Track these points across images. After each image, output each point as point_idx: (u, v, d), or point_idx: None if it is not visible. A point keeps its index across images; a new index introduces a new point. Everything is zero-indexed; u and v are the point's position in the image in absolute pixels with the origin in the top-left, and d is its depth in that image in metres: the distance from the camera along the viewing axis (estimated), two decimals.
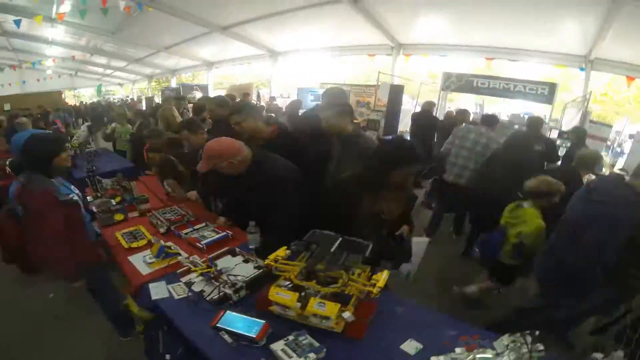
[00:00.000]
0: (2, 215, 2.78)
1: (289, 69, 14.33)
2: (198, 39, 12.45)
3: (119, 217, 3.51)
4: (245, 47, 12.78)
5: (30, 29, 12.44)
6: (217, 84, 17.92)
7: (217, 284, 2.41)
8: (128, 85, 25.33)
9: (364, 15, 8.59)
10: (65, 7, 9.22)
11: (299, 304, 1.93)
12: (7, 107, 14.53)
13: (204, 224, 3.50)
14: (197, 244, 3.04)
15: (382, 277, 1.98)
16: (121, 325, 3.43)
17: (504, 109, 13.07)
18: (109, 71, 22.02)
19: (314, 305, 1.90)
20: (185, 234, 3.29)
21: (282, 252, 2.26)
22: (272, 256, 2.21)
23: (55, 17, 9.66)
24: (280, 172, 3.02)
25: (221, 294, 2.33)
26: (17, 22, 9.03)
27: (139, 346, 2.82)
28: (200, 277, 2.54)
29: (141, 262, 2.81)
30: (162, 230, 3.37)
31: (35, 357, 3.51)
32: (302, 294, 2.01)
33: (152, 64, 18.02)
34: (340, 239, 2.36)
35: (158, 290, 2.47)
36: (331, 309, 1.87)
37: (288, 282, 2.12)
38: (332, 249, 2.26)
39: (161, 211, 3.77)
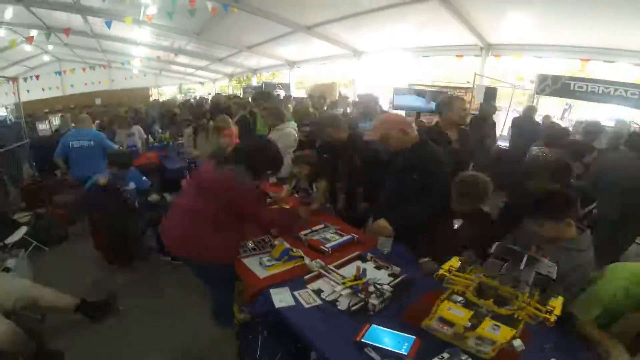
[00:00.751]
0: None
1: (372, 68, 13.86)
2: (281, 38, 12.37)
3: None
4: (328, 46, 12.53)
5: (119, 32, 13.02)
6: (297, 83, 18.09)
7: (362, 295, 2.25)
8: (208, 83, 25.91)
9: (452, 13, 8.03)
10: (153, 10, 9.47)
11: (469, 323, 1.72)
12: (98, 101, 16.43)
13: (322, 225, 3.39)
14: (321, 247, 2.93)
15: (558, 302, 1.75)
16: (222, 315, 3.32)
17: (590, 113, 11.48)
18: (190, 70, 22.72)
19: (487, 327, 1.69)
20: (305, 235, 3.16)
21: (454, 262, 2.07)
22: (445, 265, 2.05)
23: (143, 19, 9.93)
24: (442, 156, 3.07)
25: (360, 303, 2.19)
26: (108, 23, 9.59)
27: (232, 347, 2.84)
28: (330, 283, 2.44)
29: (257, 265, 2.75)
30: (274, 231, 3.24)
31: (125, 346, 3.58)
32: (474, 312, 1.80)
33: (233, 63, 18.28)
34: (526, 255, 2.06)
35: (282, 298, 2.33)
36: (505, 333, 1.67)
37: (461, 298, 1.89)
38: (521, 266, 1.99)
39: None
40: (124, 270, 5.01)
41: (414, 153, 3.00)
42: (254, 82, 19.27)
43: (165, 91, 25.20)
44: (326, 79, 15.91)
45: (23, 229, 5.38)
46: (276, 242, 2.90)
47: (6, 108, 10.62)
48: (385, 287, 2.30)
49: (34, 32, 11.84)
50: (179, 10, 8.63)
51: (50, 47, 17.16)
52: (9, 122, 10.70)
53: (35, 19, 11.62)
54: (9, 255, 4.71)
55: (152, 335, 3.73)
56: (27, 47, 15.67)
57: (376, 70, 14.08)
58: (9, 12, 10.43)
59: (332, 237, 3.10)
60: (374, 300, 2.16)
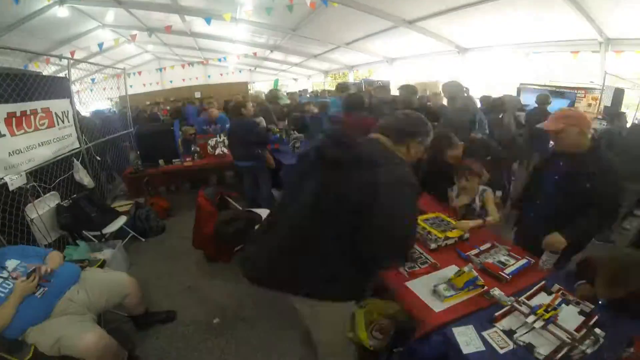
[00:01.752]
0: None
1: (478, 66, 12.80)
2: (381, 33, 11.85)
3: None
4: (430, 42, 11.80)
5: (216, 30, 13.59)
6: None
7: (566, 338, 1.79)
8: (302, 79, 25.97)
9: (568, 2, 7.10)
10: (250, 7, 9.53)
11: None
12: (197, 94, 16.35)
13: (489, 245, 2.84)
14: (500, 274, 2.45)
15: None
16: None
17: None
18: (285, 67, 22.94)
19: None
20: (477, 257, 2.67)
21: None
22: None
23: (240, 16, 10.22)
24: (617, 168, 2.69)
25: (565, 349, 1.74)
26: (208, 20, 9.73)
27: None
28: (523, 320, 1.97)
29: (428, 293, 2.31)
30: (433, 246, 2.82)
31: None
32: None
33: (329, 59, 18.10)
34: None
35: (469, 340, 1.84)
36: None
37: None
38: None
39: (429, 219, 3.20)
40: (224, 269, 4.61)
41: (590, 158, 2.64)
42: (351, 78, 19.10)
43: (259, 87, 25.44)
44: (426, 77, 15.18)
45: (122, 219, 5.26)
46: (465, 269, 2.37)
47: (111, 100, 11.09)
48: (597, 330, 1.82)
49: (135, 32, 12.65)
50: (276, 6, 8.67)
51: (150, 47, 18.61)
52: (114, 113, 11.15)
53: (136, 21, 12.50)
54: (105, 245, 4.59)
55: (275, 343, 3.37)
56: (130, 47, 17.16)
57: (481, 67, 13.13)
58: (112, 15, 11.36)
59: (506, 261, 2.59)
60: (588, 348, 1.68)
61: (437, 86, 13.43)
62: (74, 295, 2.85)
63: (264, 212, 4.59)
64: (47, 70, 11.02)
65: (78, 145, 5.76)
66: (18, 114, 4.20)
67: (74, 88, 5.89)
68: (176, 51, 19.77)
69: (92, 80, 9.89)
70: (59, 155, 5.11)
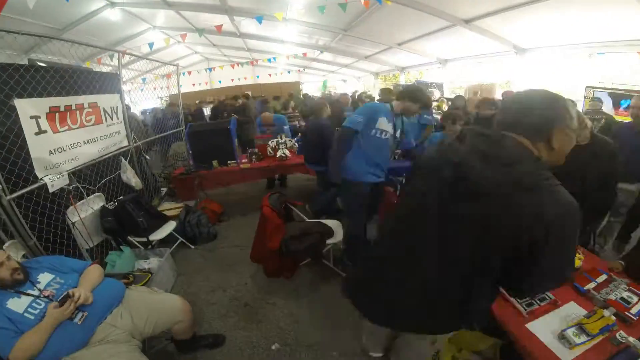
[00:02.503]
0: None
1: (537, 67, 12.11)
2: (434, 34, 11.47)
3: None
4: (486, 42, 11.20)
5: (265, 31, 13.87)
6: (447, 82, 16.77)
7: None
8: (351, 80, 25.74)
9: None
10: (300, 6, 9.57)
11: None
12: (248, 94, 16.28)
13: (606, 276, 2.40)
14: (626, 314, 2.03)
15: None
16: None
17: None
18: (334, 67, 22.84)
19: None
20: (598, 293, 2.24)
21: None
22: None
23: (289, 17, 10.19)
24: None
25: None
26: (259, 18, 9.49)
27: None
28: None
29: (552, 338, 1.91)
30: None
31: None
32: None
33: (379, 60, 17.74)
34: None
35: None
36: None
37: None
38: None
39: None
40: (284, 285, 4.15)
41: None
42: (402, 80, 18.71)
43: (307, 88, 25.45)
44: (481, 79, 14.63)
45: (171, 224, 4.91)
46: (605, 313, 1.97)
47: (161, 99, 11.17)
48: None
49: (185, 33, 12.71)
50: (330, 5, 8.44)
51: (199, 48, 19.34)
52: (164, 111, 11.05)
53: (185, 23, 12.72)
54: (152, 252, 4.27)
55: None
56: (180, 48, 17.81)
57: (541, 69, 12.43)
58: (162, 17, 11.94)
59: (629, 298, 2.14)
60: None
61: (493, 88, 12.85)
62: (117, 320, 2.49)
63: (334, 224, 4.23)
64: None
65: (127, 144, 5.40)
66: (62, 109, 3.90)
67: (125, 88, 5.69)
68: (225, 52, 20.15)
69: (143, 80, 9.94)
70: (106, 154, 4.80)
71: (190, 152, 6.84)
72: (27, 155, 3.39)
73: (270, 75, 23.03)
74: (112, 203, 4.68)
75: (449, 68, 15.35)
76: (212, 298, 3.98)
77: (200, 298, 3.95)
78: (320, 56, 18.64)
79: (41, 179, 3.54)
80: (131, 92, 7.17)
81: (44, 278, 2.44)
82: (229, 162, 6.55)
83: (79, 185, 4.13)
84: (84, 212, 4.17)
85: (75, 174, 4.09)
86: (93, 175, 4.54)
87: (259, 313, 3.70)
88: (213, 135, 6.61)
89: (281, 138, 7.03)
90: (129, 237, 4.46)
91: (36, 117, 3.54)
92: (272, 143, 6.97)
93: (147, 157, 6.39)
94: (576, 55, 10.67)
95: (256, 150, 6.98)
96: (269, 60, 17.31)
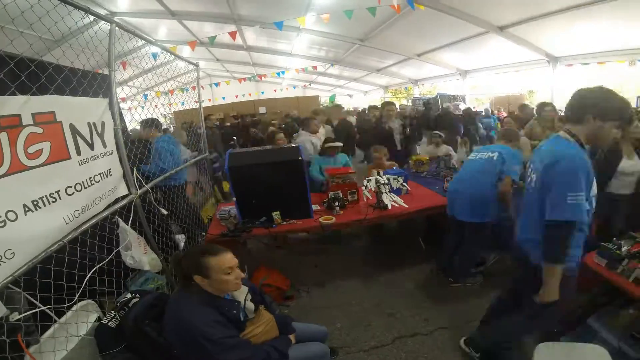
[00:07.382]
0: None
1: (571, 76, 11.53)
2: (462, 42, 11.07)
3: None
4: (517, 50, 10.80)
5: (272, 43, 14.12)
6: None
7: None
8: (358, 95, 25.42)
9: None
10: (317, 12, 8.99)
11: None
12: (262, 110, 15.61)
13: None
14: None
15: None
16: None
17: None
18: (341, 82, 22.53)
19: None
20: None
21: None
22: None
23: (301, 26, 10.01)
24: None
25: None
26: (279, 24, 8.81)
27: None
28: None
29: None
30: None
31: None
32: None
33: (390, 72, 17.44)
34: None
35: None
36: None
37: None
38: None
39: None
40: None
41: None
42: (416, 93, 18.31)
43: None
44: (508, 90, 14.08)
45: None
46: None
47: (165, 117, 10.46)
48: None
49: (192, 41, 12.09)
50: (355, 12, 7.92)
51: (202, 64, 17.77)
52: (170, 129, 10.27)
53: (189, 35, 12.19)
54: None
55: None
56: (181, 64, 16.26)
57: (576, 78, 11.72)
58: (163, 30, 11.95)
59: None
60: None
61: (522, 99, 12.11)
62: None
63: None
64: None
65: (125, 192, 3.05)
66: None
67: (124, 105, 4.02)
68: (228, 67, 20.00)
69: (144, 97, 9.67)
70: (84, 222, 2.44)
71: (234, 197, 4.15)
72: None
73: (275, 90, 22.18)
74: (114, 317, 2.41)
75: (468, 80, 15.00)
76: None
77: None
78: (328, 70, 18.27)
79: None
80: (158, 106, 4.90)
81: None
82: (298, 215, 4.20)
83: (34, 307, 2.03)
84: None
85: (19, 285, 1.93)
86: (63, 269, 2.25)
87: None
88: (274, 171, 4.02)
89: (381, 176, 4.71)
90: None
91: None
92: (370, 184, 4.53)
93: (164, 211, 3.73)
94: (614, 62, 10.09)
95: (339, 193, 4.54)
96: (278, 74, 17.09)
